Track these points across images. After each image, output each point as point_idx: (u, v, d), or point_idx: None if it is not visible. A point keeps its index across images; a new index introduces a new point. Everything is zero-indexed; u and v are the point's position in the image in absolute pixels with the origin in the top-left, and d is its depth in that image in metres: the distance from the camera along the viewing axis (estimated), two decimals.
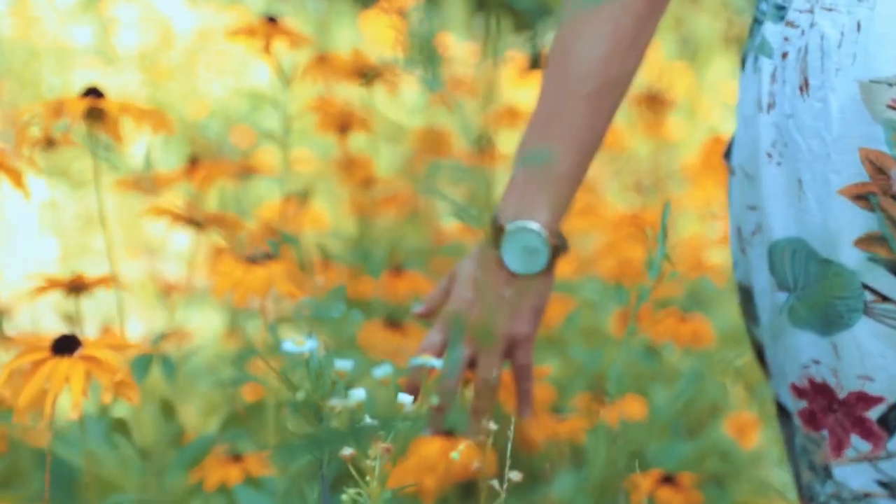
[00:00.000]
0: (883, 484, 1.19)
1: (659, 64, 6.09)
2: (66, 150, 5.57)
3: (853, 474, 1.19)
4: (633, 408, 2.02)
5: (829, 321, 1.15)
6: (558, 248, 1.24)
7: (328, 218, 2.59)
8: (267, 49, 1.72)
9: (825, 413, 1.19)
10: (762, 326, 1.26)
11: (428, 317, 1.31)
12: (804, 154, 1.12)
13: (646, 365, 2.41)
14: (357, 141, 2.61)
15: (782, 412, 1.31)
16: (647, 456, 2.42)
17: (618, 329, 2.71)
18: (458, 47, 6.44)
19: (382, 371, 1.14)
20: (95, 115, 1.38)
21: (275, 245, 1.45)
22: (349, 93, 2.43)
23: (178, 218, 1.42)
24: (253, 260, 1.33)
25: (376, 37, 6.37)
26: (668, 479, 1.71)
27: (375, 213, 2.69)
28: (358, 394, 1.01)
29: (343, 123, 2.06)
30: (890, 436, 1.17)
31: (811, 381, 1.19)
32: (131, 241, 3.84)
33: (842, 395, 1.18)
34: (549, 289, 1.25)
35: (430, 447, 1.42)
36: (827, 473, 1.21)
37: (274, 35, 1.73)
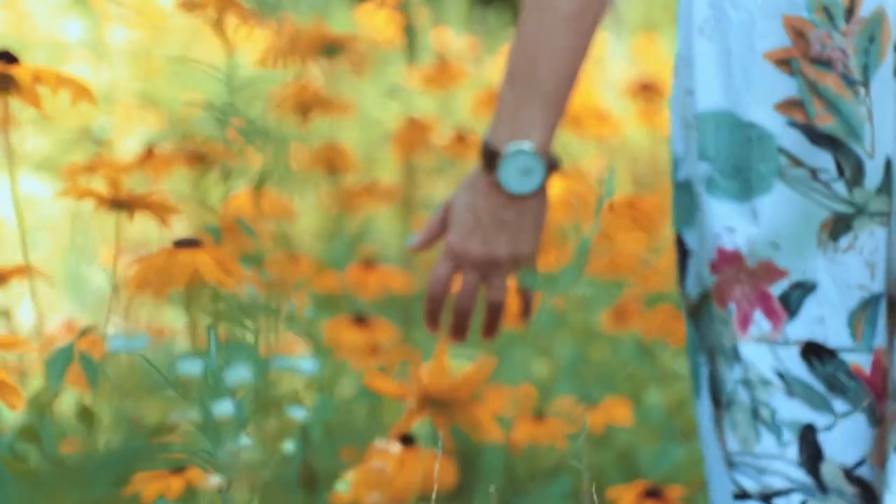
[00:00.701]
0: (780, 375, 1.21)
1: (659, 56, 5.93)
2: (55, 142, 5.43)
3: (757, 356, 1.21)
4: (619, 411, 1.85)
5: (749, 185, 1.18)
6: (552, 165, 1.27)
7: (298, 207, 2.42)
8: (219, 24, 1.59)
9: (732, 285, 1.21)
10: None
11: (422, 249, 1.35)
12: (733, 24, 1.17)
13: (637, 364, 2.24)
14: (339, 129, 2.44)
15: (690, 307, 1.31)
16: (638, 461, 2.27)
17: (610, 326, 2.56)
18: (457, 41, 6.29)
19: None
20: (7, 82, 1.21)
21: (215, 231, 1.29)
22: (329, 77, 2.27)
23: (102, 201, 1.25)
24: (178, 246, 1.16)
25: (372, 30, 6.23)
26: (653, 493, 1.53)
27: (352, 203, 2.52)
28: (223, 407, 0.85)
29: (304, 106, 1.89)
30: (789, 317, 1.20)
31: (720, 251, 1.21)
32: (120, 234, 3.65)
33: (751, 263, 1.20)
34: (546, 207, 1.28)
35: (385, 457, 1.26)
36: (735, 355, 1.22)
37: (226, 8, 1.58)
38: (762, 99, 1.18)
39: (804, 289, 1.20)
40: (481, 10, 6.79)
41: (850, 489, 1.22)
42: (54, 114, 5.54)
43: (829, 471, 1.22)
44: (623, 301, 2.58)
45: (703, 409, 1.30)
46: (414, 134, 2.74)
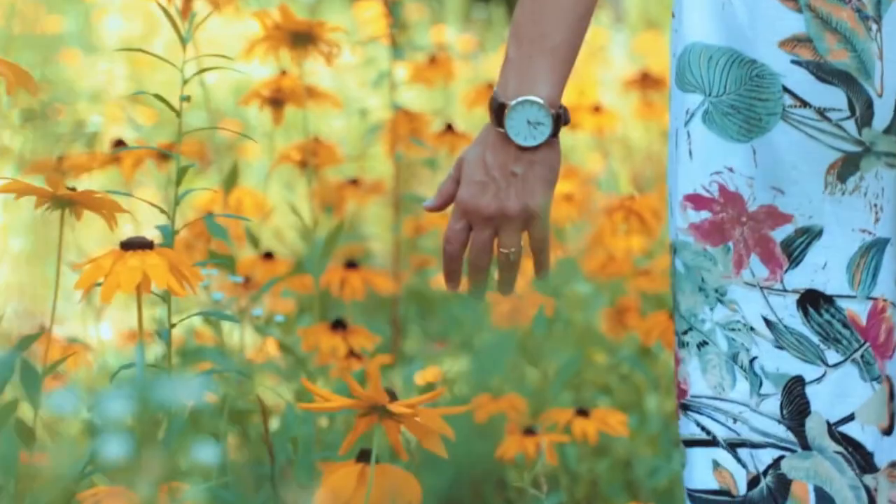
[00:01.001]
0: (768, 323, 1.19)
1: (661, 53, 5.85)
2: (46, 138, 5.32)
3: (746, 298, 1.19)
4: (614, 421, 1.74)
5: (749, 125, 1.16)
6: (560, 117, 1.25)
7: (277, 205, 2.31)
8: (186, 10, 1.50)
9: (734, 224, 1.18)
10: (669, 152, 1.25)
11: (440, 209, 1.32)
12: None
13: (636, 368, 2.13)
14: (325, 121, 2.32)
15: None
16: (637, 470, 2.17)
17: (609, 329, 2.45)
18: (455, 38, 6.19)
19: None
20: None
21: (168, 233, 1.17)
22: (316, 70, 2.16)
23: (43, 197, 1.13)
24: (127, 247, 1.04)
25: (369, 25, 6.13)
26: None
27: (340, 200, 2.41)
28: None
29: (276, 97, 1.77)
30: (790, 265, 1.17)
31: (722, 189, 1.18)
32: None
33: (752, 206, 1.17)
34: (558, 159, 1.27)
35: (344, 475, 1.14)
36: (721, 295, 1.19)
37: None
38: (766, 36, 1.15)
39: (810, 235, 1.18)
40: (484, 8, 6.69)
41: (832, 446, 1.19)
42: (47, 109, 5.44)
43: (813, 426, 1.19)
44: (621, 303, 2.49)
45: None
46: (405, 126, 2.64)
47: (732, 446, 1.21)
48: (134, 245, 1.04)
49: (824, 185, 1.16)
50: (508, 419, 1.87)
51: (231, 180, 1.67)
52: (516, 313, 2.32)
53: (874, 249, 1.18)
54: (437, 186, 1.30)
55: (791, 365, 1.19)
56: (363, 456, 1.13)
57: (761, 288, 1.19)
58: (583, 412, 1.76)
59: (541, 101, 1.23)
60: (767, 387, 1.19)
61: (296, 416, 1.46)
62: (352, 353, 1.75)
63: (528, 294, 3.00)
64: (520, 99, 1.23)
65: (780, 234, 1.18)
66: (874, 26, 1.13)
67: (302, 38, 1.71)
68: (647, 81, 2.80)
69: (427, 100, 3.52)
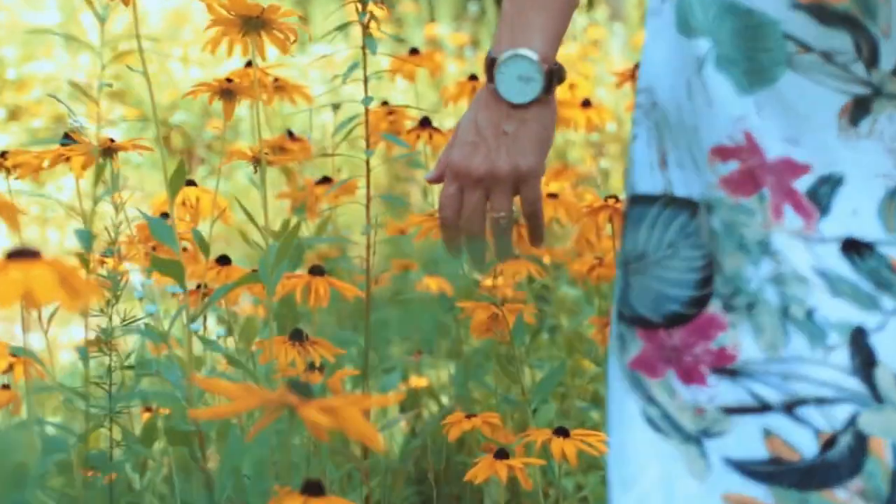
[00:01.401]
0: (819, 272, 1.08)
1: None
2: (28, 134, 5.15)
3: (791, 247, 1.08)
4: (595, 439, 1.57)
5: (750, 78, 1.08)
6: (553, 73, 1.21)
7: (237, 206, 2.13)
8: None
9: (764, 172, 1.09)
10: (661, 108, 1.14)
11: (439, 180, 1.28)
12: None
13: None
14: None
15: (682, 206, 1.14)
16: None
17: (598, 336, 2.29)
18: (447, 36, 6.04)
19: None
20: None
21: (84, 236, 1.01)
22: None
23: None
24: (10, 258, 0.88)
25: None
26: None
27: (312, 200, 2.24)
28: None
29: (224, 90, 1.61)
30: (822, 214, 1.08)
31: (748, 136, 1.09)
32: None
33: (769, 156, 1.09)
34: (552, 119, 1.23)
35: None
36: (764, 248, 1.09)
37: None
38: None
39: (832, 183, 1.09)
40: (477, 2, 6.53)
41: None
42: (27, 105, 5.29)
43: (883, 377, 1.07)
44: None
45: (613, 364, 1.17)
46: (384, 122, 2.49)
47: (790, 407, 1.09)
48: (19, 254, 0.88)
49: (838, 131, 1.08)
50: (482, 439, 1.71)
51: (177, 180, 1.49)
52: (498, 322, 2.15)
53: None
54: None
55: (852, 313, 1.07)
56: (310, 488, 0.96)
57: (803, 237, 1.08)
58: (562, 431, 1.59)
59: (532, 55, 1.18)
60: (833, 338, 1.07)
61: (239, 440, 1.29)
62: (313, 367, 1.59)
63: (513, 299, 2.83)
64: (510, 53, 1.19)
65: (802, 184, 1.08)
66: None
67: (254, 24, 1.54)
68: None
69: (415, 96, 3.36)
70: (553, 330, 3.24)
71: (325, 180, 2.22)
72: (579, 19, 6.04)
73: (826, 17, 1.07)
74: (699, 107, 1.11)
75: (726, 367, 1.11)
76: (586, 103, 2.52)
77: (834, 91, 1.08)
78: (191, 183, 1.74)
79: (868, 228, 1.08)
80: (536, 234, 1.30)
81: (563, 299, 2.88)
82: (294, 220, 2.31)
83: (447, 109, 5.50)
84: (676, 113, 1.13)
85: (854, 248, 1.08)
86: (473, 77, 2.44)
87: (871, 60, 1.06)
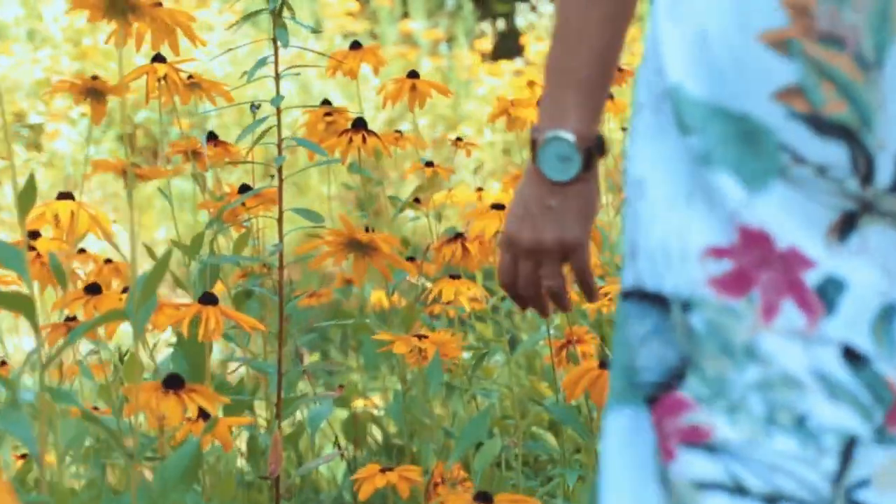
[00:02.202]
0: (818, 376, 1.03)
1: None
2: None
3: (784, 350, 1.03)
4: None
5: (747, 180, 1.04)
6: (591, 151, 1.21)
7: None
8: None
9: (759, 268, 1.04)
10: (648, 201, 1.11)
11: None
12: (712, 5, 1.04)
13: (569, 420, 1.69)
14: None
15: (653, 303, 1.11)
16: None
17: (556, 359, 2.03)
18: (422, 31, 5.78)
19: None
20: None
21: None
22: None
23: None
24: None
25: (333, 17, 5.70)
26: None
27: (233, 212, 1.97)
28: None
29: (90, 89, 1.34)
30: (827, 313, 1.03)
31: (743, 230, 1.04)
32: None
33: (781, 245, 1.04)
34: (595, 192, 1.24)
35: None
36: (750, 353, 1.04)
37: None
38: (757, 88, 1.03)
39: (837, 284, 1.04)
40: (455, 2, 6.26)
41: None
42: None
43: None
44: (570, 333, 2.07)
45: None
46: (322, 122, 2.22)
47: (771, 501, 1.04)
48: None
49: (825, 246, 1.03)
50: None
51: (26, 197, 1.22)
52: (448, 345, 1.89)
53: (891, 312, 1.03)
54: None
55: (850, 421, 1.03)
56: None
57: (802, 337, 1.03)
58: (484, 497, 1.32)
59: (569, 136, 1.19)
60: (829, 440, 1.03)
61: None
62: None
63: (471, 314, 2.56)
64: (548, 135, 1.20)
65: (812, 278, 1.03)
66: (875, 73, 1.00)
67: (119, 8, 1.26)
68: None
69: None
70: (513, 344, 2.98)
71: (246, 188, 1.94)
72: None
73: (822, 127, 1.02)
74: (696, 204, 1.08)
75: (701, 442, 1.05)
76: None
77: (824, 207, 1.04)
78: (66, 196, 1.46)
79: (864, 341, 1.03)
80: (589, 295, 1.31)
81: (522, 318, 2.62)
82: (209, 234, 2.05)
83: (419, 111, 5.22)
84: (666, 205, 1.10)
85: (854, 357, 1.03)
86: (413, 74, 2.17)
87: (867, 176, 1.02)
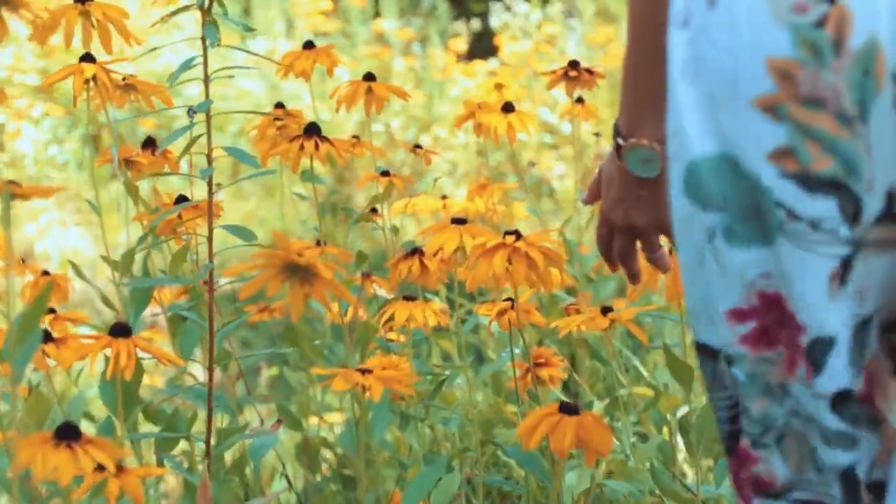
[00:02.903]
0: (819, 426, 1.12)
1: (615, 47, 5.33)
2: None
3: (804, 395, 1.11)
4: None
5: (765, 231, 1.08)
6: None
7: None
8: None
9: (779, 328, 1.10)
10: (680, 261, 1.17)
11: (591, 203, 1.43)
12: (715, 67, 1.07)
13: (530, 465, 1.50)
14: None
15: (706, 354, 1.18)
16: None
17: (521, 383, 1.85)
18: (394, 31, 5.57)
19: None
20: None
21: None
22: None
23: None
24: None
25: (305, 16, 5.49)
26: None
27: (168, 224, 1.78)
28: None
29: None
30: (815, 373, 1.10)
31: (762, 296, 1.10)
32: None
33: (788, 311, 1.09)
34: None
35: None
36: (784, 390, 1.12)
37: None
38: (754, 149, 1.06)
39: (824, 344, 1.10)
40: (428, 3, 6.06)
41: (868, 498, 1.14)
42: None
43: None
44: (536, 353, 1.87)
45: None
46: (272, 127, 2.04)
47: None
48: None
49: (829, 296, 1.08)
50: None
51: None
52: (396, 381, 1.69)
53: (863, 327, 1.09)
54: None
55: (843, 457, 1.13)
56: None
57: (807, 388, 1.11)
58: None
59: (648, 144, 1.28)
60: (829, 475, 1.14)
61: None
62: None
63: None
64: (631, 142, 1.29)
65: (804, 341, 1.10)
66: (859, 127, 1.03)
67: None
68: (571, 76, 2.15)
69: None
70: (480, 360, 2.78)
71: (182, 199, 1.74)
72: (533, 15, 5.58)
73: (811, 184, 1.05)
74: (711, 272, 1.12)
75: (769, 491, 1.16)
76: (507, 107, 2.05)
77: (822, 257, 1.07)
78: None
79: (848, 377, 1.10)
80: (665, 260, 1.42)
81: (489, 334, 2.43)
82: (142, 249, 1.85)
83: (393, 112, 5.01)
84: (688, 274, 1.14)
85: (842, 398, 1.10)
86: (369, 76, 1.97)
87: (855, 218, 1.06)
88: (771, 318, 1.10)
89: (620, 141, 1.30)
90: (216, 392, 1.73)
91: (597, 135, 3.43)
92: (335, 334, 2.26)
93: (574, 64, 2.22)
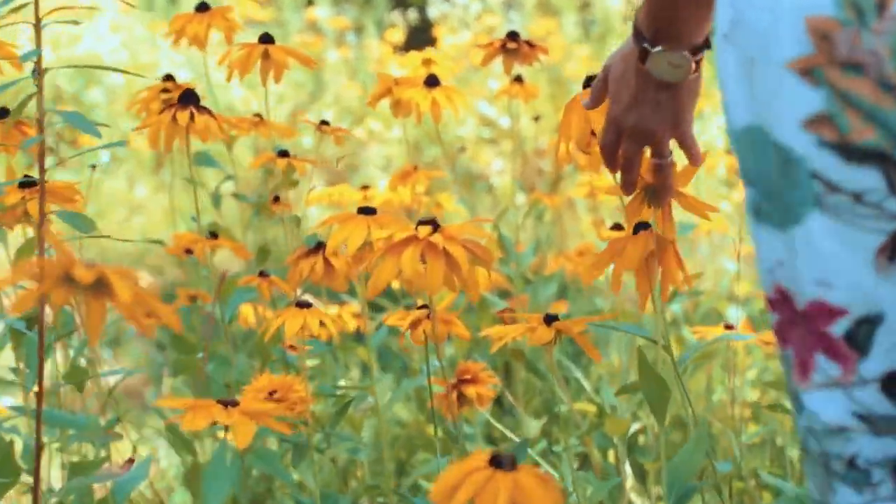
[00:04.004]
0: (860, 417, 1.01)
1: (558, 42, 5.01)
2: None
3: (824, 403, 1.02)
4: None
5: (784, 215, 1.00)
6: (698, 51, 1.23)
7: None
8: None
9: (790, 326, 1.02)
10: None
11: (594, 108, 1.33)
12: (755, 29, 0.98)
13: None
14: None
15: None
16: None
17: (444, 403, 1.52)
18: (327, 19, 5.21)
19: None
20: None
21: None
22: None
23: None
24: None
25: (236, 3, 5.13)
26: None
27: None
28: None
29: None
30: (861, 357, 0.99)
31: (778, 289, 1.03)
32: None
33: (801, 305, 1.01)
34: (699, 83, 1.26)
35: None
36: (798, 402, 1.05)
37: None
38: (788, 116, 0.97)
39: (871, 322, 0.99)
40: None
41: None
42: None
43: None
44: (462, 368, 1.53)
45: None
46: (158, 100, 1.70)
47: None
48: None
49: (875, 270, 0.97)
50: None
51: None
52: (267, 417, 1.35)
53: None
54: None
55: (894, 446, 1.01)
56: None
57: (841, 386, 1.00)
58: None
59: (681, 50, 1.21)
60: (877, 474, 1.02)
61: None
62: None
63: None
64: (659, 49, 1.21)
65: (838, 328, 0.98)
66: None
67: None
68: (510, 48, 1.81)
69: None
70: (403, 370, 2.43)
71: (29, 182, 1.38)
72: (473, 6, 5.24)
73: (853, 155, 0.96)
74: (756, 255, 1.06)
75: None
76: (431, 81, 1.70)
77: (868, 231, 0.97)
78: None
79: None
80: (695, 158, 1.31)
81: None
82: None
83: (326, 102, 4.64)
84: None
85: (894, 381, 0.99)
86: (267, 38, 1.61)
87: None
88: (785, 314, 1.02)
89: (647, 45, 1.22)
90: (77, 414, 1.37)
91: (536, 119, 3.09)
92: (238, 342, 1.90)
93: (513, 35, 1.88)
